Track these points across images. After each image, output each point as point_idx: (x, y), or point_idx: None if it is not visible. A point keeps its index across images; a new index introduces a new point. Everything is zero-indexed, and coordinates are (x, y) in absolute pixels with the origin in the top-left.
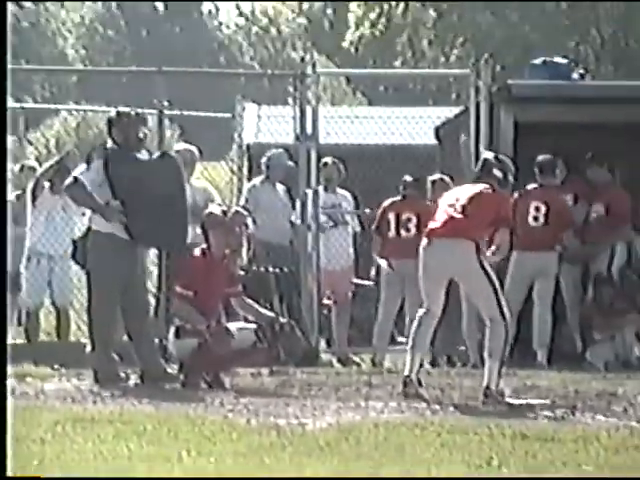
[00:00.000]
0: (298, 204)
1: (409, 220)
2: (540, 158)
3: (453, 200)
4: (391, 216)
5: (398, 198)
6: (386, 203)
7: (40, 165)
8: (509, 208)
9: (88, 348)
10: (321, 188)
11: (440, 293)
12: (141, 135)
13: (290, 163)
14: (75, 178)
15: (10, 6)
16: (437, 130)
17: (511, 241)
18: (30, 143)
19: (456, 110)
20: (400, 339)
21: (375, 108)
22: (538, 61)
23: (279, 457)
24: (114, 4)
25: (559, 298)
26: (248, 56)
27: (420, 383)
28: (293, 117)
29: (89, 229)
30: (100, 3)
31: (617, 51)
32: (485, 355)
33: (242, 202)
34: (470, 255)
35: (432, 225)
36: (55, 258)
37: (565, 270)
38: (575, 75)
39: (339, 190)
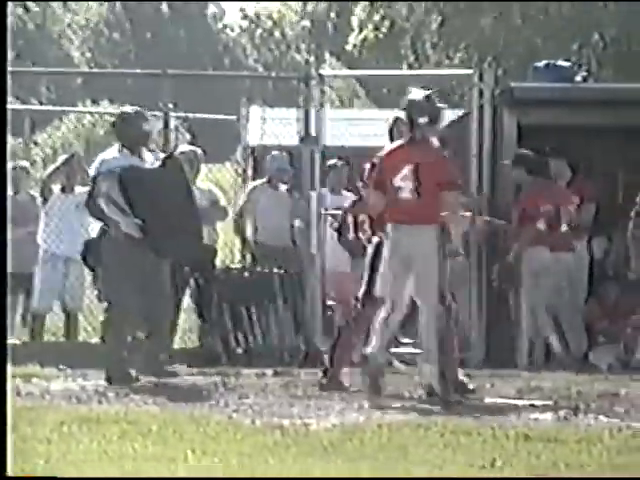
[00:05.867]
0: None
1: None
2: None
3: (400, 179)
4: None
5: None
6: None
7: (45, 167)
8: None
9: (99, 348)
10: (327, 190)
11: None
12: (146, 129)
13: (288, 166)
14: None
15: (16, 8)
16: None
17: None
18: (36, 144)
19: (459, 113)
20: (405, 340)
21: (381, 111)
22: (541, 64)
23: (283, 457)
24: (119, 5)
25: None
26: (252, 59)
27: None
28: (297, 119)
29: (104, 229)
30: (105, 5)
31: (619, 54)
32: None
33: (241, 203)
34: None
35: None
36: (71, 260)
37: (572, 270)
38: (578, 78)
39: (345, 192)
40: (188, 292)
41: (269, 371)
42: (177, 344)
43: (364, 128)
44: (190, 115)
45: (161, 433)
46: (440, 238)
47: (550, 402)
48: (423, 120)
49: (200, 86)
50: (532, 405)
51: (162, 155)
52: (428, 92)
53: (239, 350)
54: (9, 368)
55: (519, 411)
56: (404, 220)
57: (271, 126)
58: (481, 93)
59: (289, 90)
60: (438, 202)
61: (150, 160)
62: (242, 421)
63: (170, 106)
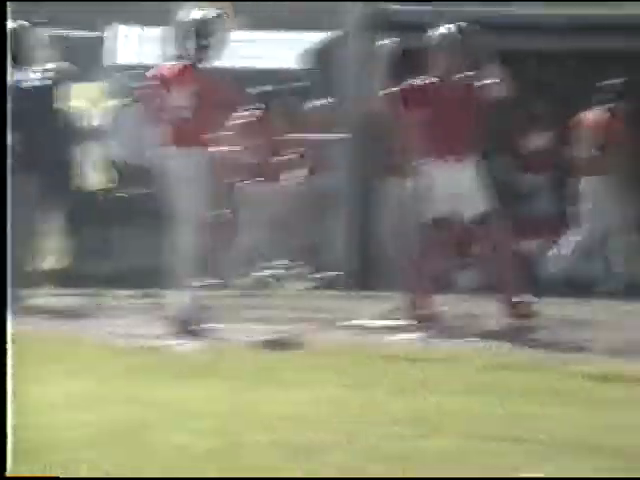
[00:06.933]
0: None
1: None
2: None
3: (178, 101)
4: None
5: None
6: None
7: None
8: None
9: None
10: None
11: None
12: (34, 43)
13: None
14: None
15: None
16: (311, 54)
17: None
18: None
19: (331, 35)
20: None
21: (248, 32)
22: None
23: (153, 378)
24: None
25: None
26: None
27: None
28: (162, 39)
29: None
30: None
31: None
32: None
33: (100, 123)
34: None
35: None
36: None
37: None
38: None
39: None
40: (58, 213)
41: (139, 292)
42: (47, 265)
43: (231, 49)
44: (58, 32)
45: (33, 354)
46: (210, 160)
47: (418, 322)
48: (206, 42)
49: (67, 2)
50: (400, 325)
51: (49, 72)
52: (216, 11)
53: (109, 271)
54: (9, 368)
55: (388, 331)
56: (181, 143)
57: (137, 45)
58: (356, 17)
59: (156, 9)
60: (211, 123)
61: (37, 76)
62: (113, 342)
63: (37, 22)
